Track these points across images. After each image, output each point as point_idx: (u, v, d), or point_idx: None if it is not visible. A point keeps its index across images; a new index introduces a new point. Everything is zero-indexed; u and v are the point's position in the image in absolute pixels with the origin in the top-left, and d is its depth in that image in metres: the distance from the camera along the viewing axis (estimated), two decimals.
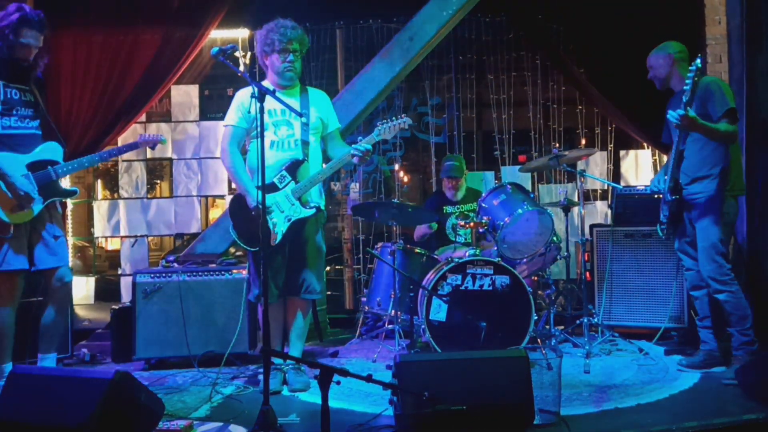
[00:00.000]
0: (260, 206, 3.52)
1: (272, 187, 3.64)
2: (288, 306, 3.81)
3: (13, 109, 3.55)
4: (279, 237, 3.62)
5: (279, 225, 3.63)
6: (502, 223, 4.29)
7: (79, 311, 5.45)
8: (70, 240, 5.62)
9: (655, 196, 4.16)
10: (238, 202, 3.75)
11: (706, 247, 3.74)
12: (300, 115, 3.49)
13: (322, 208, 3.86)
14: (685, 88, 3.51)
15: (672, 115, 3.51)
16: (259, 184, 3.65)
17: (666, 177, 3.88)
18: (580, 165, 4.85)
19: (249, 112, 3.53)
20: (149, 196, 6.01)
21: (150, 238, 5.97)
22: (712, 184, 3.75)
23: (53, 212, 3.70)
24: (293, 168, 3.67)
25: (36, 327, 3.74)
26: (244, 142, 3.84)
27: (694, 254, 3.91)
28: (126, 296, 5.59)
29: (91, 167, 3.94)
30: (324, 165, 3.82)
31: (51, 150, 3.67)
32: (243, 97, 3.77)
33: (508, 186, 4.51)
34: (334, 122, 3.92)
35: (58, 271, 3.65)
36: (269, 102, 3.62)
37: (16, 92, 3.58)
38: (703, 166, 3.78)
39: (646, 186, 5.12)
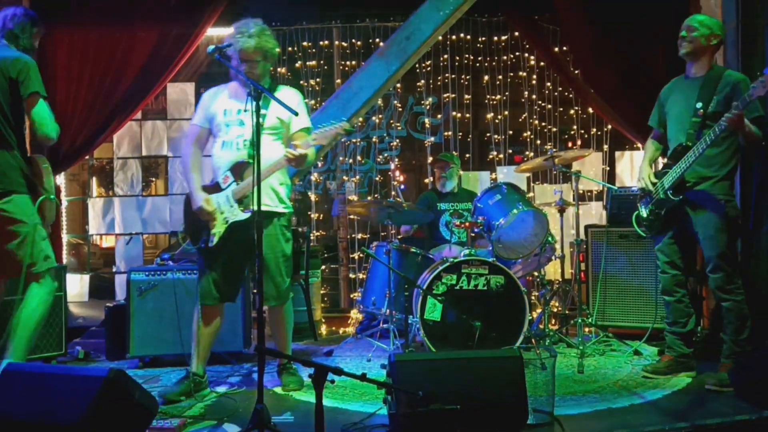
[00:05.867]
0: (203, 208, 3.48)
1: (216, 188, 3.55)
2: (267, 311, 3.69)
3: None
4: (216, 239, 3.48)
5: (217, 227, 3.49)
6: (497, 223, 4.29)
7: (73, 308, 5.44)
8: (65, 237, 5.60)
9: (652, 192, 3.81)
10: (188, 200, 3.64)
11: (715, 255, 3.54)
12: (295, 113, 3.26)
13: (279, 210, 3.59)
14: (753, 86, 3.22)
15: (726, 116, 3.29)
16: (206, 183, 3.57)
17: (652, 172, 3.75)
18: (576, 166, 4.86)
19: (227, 111, 3.49)
20: (144, 193, 5.99)
21: (145, 236, 5.95)
22: (717, 186, 3.56)
23: None
24: (237, 170, 3.51)
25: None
26: (205, 142, 3.72)
27: (675, 259, 3.77)
28: (120, 294, 5.58)
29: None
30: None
31: None
32: (207, 96, 3.70)
33: (504, 186, 4.51)
34: (301, 122, 3.60)
35: None
36: (223, 102, 3.59)
37: None
38: (710, 166, 3.57)
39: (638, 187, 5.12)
